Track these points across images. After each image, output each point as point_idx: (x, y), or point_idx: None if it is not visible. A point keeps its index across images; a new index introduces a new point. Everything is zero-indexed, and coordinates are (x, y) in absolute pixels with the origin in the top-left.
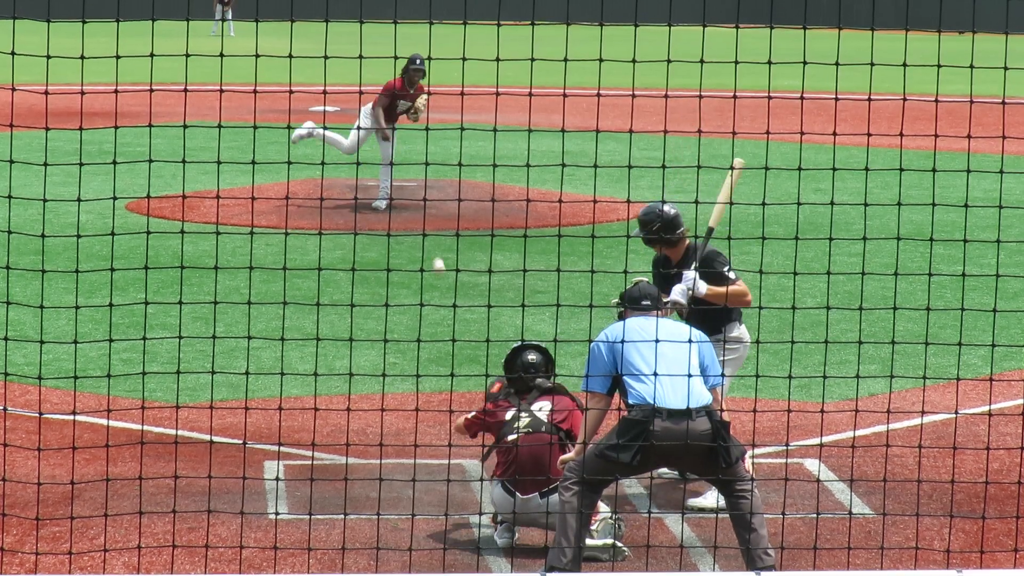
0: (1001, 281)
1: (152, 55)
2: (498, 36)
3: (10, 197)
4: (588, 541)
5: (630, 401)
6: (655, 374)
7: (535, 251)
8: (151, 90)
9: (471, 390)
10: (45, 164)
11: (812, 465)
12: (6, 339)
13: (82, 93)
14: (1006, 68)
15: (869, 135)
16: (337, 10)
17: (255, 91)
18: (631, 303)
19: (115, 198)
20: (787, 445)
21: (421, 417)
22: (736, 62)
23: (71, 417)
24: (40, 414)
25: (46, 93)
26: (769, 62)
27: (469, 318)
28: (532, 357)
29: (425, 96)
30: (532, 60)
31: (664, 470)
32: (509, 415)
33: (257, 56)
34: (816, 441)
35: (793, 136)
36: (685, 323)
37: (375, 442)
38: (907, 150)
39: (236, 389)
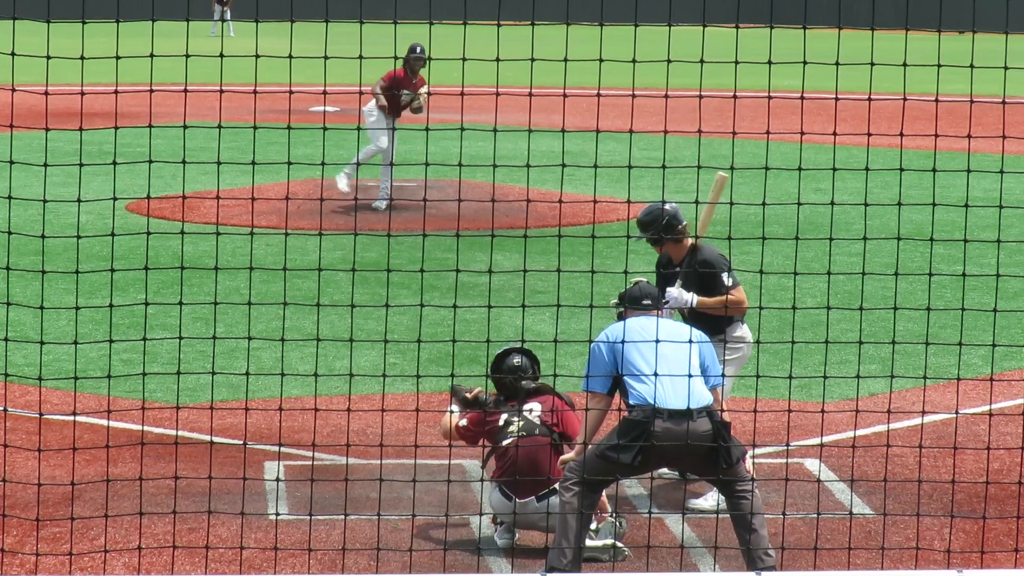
0: (1001, 281)
1: (152, 55)
2: (498, 36)
3: (10, 197)
4: (588, 542)
5: (631, 401)
6: (655, 374)
7: (535, 251)
8: (151, 90)
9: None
10: (45, 164)
11: (812, 465)
12: (6, 340)
13: (82, 93)
14: (1006, 68)
15: (869, 135)
16: (337, 10)
17: (255, 91)
18: (631, 303)
19: (115, 199)
20: (787, 445)
21: (421, 417)
22: (736, 62)
23: (71, 418)
24: (40, 415)
25: (46, 93)
26: (769, 62)
27: (469, 318)
28: (517, 360)
29: (426, 87)
30: (532, 60)
31: (664, 470)
32: (502, 420)
33: (257, 56)
34: (816, 441)
35: (793, 136)
36: (686, 323)
37: (375, 442)
38: (907, 150)
39: (236, 390)
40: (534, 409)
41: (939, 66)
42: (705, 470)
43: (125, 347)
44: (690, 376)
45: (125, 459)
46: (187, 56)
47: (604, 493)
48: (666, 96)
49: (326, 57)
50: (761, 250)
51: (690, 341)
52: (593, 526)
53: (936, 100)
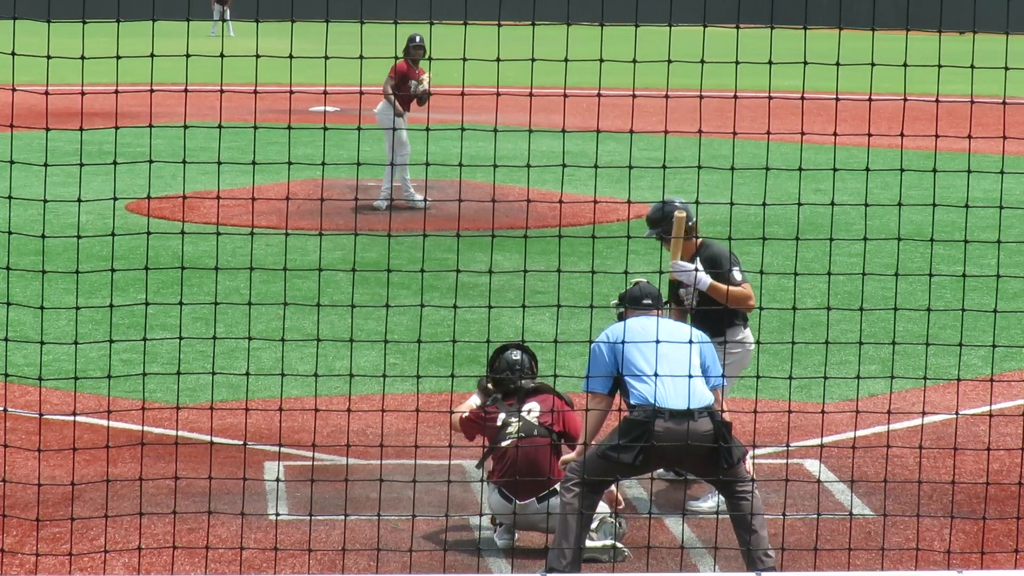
0: (1001, 281)
1: (152, 55)
2: (498, 36)
3: (10, 197)
4: (588, 542)
5: (632, 401)
6: (656, 375)
7: (535, 251)
8: (151, 90)
9: (471, 391)
10: (45, 164)
11: (812, 466)
12: (6, 340)
13: (82, 93)
14: (1006, 68)
15: (869, 135)
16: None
17: (255, 91)
18: (632, 303)
19: (115, 198)
20: (787, 446)
21: (421, 418)
22: (736, 62)
23: (71, 418)
24: (40, 415)
25: (46, 93)
26: (770, 62)
27: (469, 319)
28: (516, 356)
29: (428, 75)
30: (532, 60)
31: (661, 471)
32: (500, 421)
33: (257, 56)
34: (816, 442)
35: (793, 136)
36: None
37: (375, 443)
38: (907, 150)
39: (236, 390)
40: (533, 410)
41: (939, 66)
42: (706, 470)
43: (125, 347)
44: (691, 376)
45: (125, 459)
46: (187, 56)
47: (615, 488)
48: (666, 96)
49: (326, 57)
50: (761, 250)
51: (690, 341)
52: (611, 518)
53: (936, 100)
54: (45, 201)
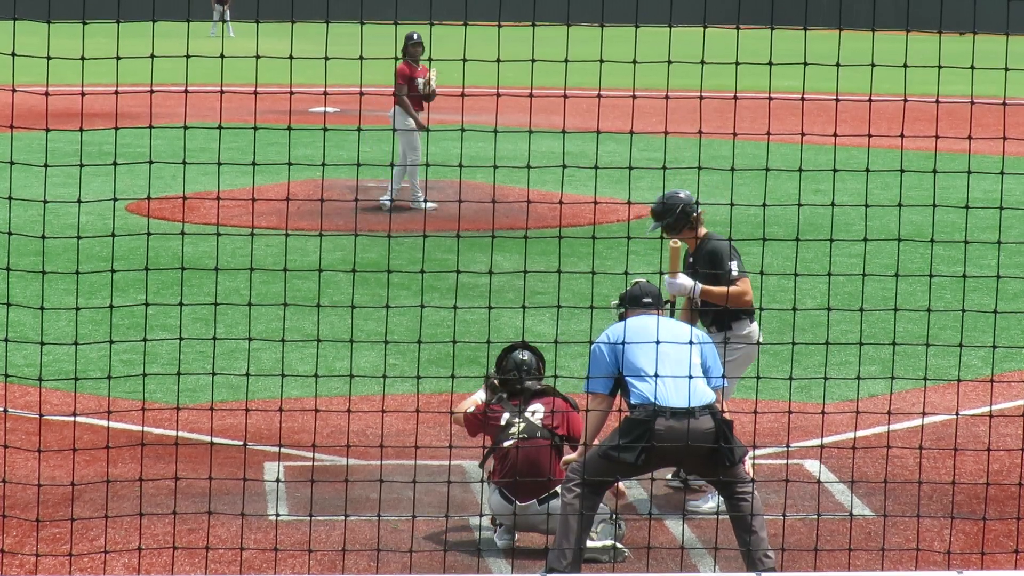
0: (1001, 282)
1: (152, 56)
2: (498, 37)
3: (10, 198)
4: (588, 543)
5: (632, 401)
6: (656, 375)
7: (535, 252)
8: (151, 91)
9: (471, 391)
10: (45, 165)
11: (812, 466)
12: (6, 340)
13: (82, 94)
14: (1007, 69)
15: (869, 136)
16: (337, 10)
17: (255, 92)
18: (632, 303)
19: (115, 199)
20: (787, 446)
21: (421, 418)
22: (736, 63)
23: (71, 418)
24: (40, 415)
25: (46, 94)
26: (770, 63)
27: (469, 319)
28: (523, 356)
29: (432, 72)
30: (532, 61)
31: (668, 478)
32: (503, 420)
33: (257, 57)
34: (816, 442)
35: (793, 137)
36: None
37: (375, 443)
38: (907, 151)
39: (236, 390)
40: (536, 411)
41: (939, 67)
42: (707, 469)
43: (125, 348)
44: (691, 376)
45: (125, 460)
46: (187, 57)
47: (620, 483)
48: (666, 97)
49: (327, 58)
50: (761, 251)
51: (691, 341)
52: (611, 518)
53: (936, 101)
54: (45, 202)
